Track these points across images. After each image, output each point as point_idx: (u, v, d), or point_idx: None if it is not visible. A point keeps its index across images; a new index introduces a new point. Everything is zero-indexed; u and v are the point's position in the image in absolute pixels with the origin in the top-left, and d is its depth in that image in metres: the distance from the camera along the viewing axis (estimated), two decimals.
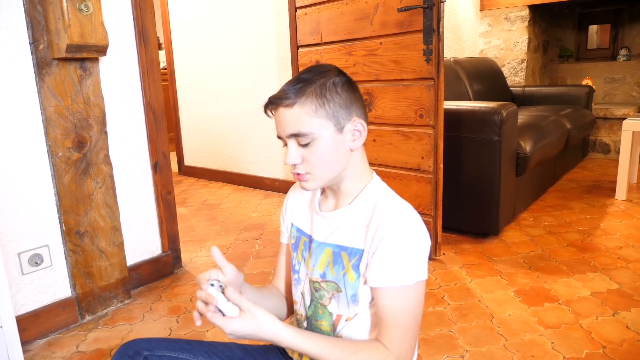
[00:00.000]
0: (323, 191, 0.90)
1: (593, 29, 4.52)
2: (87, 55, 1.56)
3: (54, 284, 1.65)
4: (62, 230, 1.65)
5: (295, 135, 0.77)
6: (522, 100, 3.79)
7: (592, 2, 4.29)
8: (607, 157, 4.02)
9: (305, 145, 0.78)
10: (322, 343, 0.75)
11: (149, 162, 1.96)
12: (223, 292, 0.74)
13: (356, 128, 0.80)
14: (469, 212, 2.31)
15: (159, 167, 1.99)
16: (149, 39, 1.90)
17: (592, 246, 2.15)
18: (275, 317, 0.75)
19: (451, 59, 3.26)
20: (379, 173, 0.90)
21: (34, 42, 1.51)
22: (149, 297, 1.88)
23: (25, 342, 1.54)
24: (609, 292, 1.73)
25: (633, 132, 2.72)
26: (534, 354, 1.39)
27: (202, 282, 0.76)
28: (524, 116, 2.86)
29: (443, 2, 1.83)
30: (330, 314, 0.84)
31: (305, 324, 0.89)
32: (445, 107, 2.15)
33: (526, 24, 3.99)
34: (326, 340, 0.76)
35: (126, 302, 1.83)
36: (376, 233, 0.77)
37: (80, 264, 1.69)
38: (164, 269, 2.05)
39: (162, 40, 4.45)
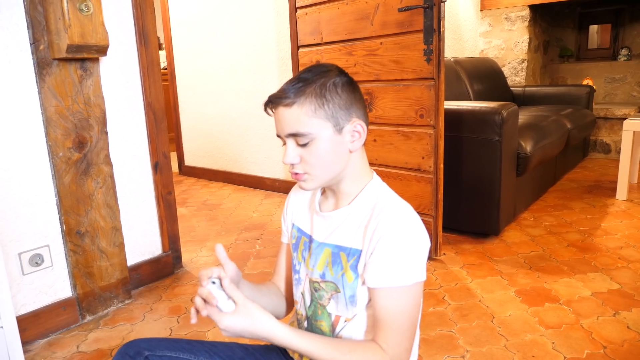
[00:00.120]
0: (323, 191, 0.90)
1: (594, 28, 4.51)
2: (87, 55, 1.56)
3: (55, 284, 1.65)
4: (62, 231, 1.65)
5: (294, 135, 0.77)
6: (522, 100, 3.78)
7: (593, 2, 4.29)
8: (608, 157, 4.02)
9: (303, 145, 0.77)
10: (317, 342, 0.75)
11: (149, 162, 1.96)
12: (224, 291, 0.74)
13: (355, 129, 0.79)
14: (469, 212, 2.31)
15: (159, 167, 1.99)
16: (150, 39, 1.90)
17: (592, 246, 2.15)
18: (271, 315, 0.75)
19: (452, 59, 3.26)
20: (379, 173, 0.90)
21: (34, 42, 1.51)
22: (150, 297, 1.88)
23: (25, 342, 1.54)
24: (610, 292, 1.73)
25: (634, 132, 2.72)
26: (534, 354, 1.39)
27: (202, 279, 0.76)
28: (524, 116, 2.86)
29: (443, 2, 1.83)
30: (329, 314, 0.84)
31: (305, 324, 0.89)
32: (445, 107, 2.15)
33: (527, 23, 3.99)
34: (321, 339, 0.76)
35: (127, 302, 1.83)
36: (374, 233, 0.77)
37: (80, 264, 1.69)
38: (165, 269, 2.05)
39: (162, 41, 4.45)
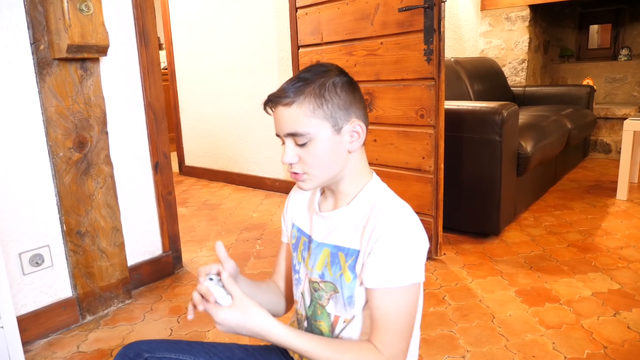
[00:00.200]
0: (323, 191, 0.90)
1: (594, 28, 4.51)
2: (87, 55, 1.56)
3: (55, 284, 1.65)
4: (62, 231, 1.65)
5: (292, 135, 0.77)
6: (522, 100, 3.78)
7: (593, 1, 4.29)
8: (608, 157, 4.01)
9: (302, 145, 0.77)
10: (312, 341, 0.75)
11: (149, 162, 1.96)
12: (223, 287, 0.75)
13: (354, 129, 0.79)
14: (469, 212, 2.31)
15: (159, 167, 1.99)
16: (150, 39, 1.90)
17: (593, 246, 2.15)
18: (267, 312, 0.75)
19: (452, 59, 3.25)
20: (379, 173, 0.90)
21: (34, 42, 1.51)
22: (150, 297, 1.88)
23: (26, 343, 1.54)
24: (610, 292, 1.73)
25: (634, 132, 2.72)
26: (535, 354, 1.39)
27: (201, 275, 0.77)
28: (524, 116, 2.86)
29: (444, 2, 1.83)
30: (329, 314, 0.84)
31: (305, 324, 0.89)
32: (446, 107, 2.15)
33: (527, 23, 3.99)
34: (316, 338, 0.76)
35: (127, 302, 1.83)
36: (372, 234, 0.76)
37: (81, 264, 1.69)
38: (165, 269, 2.05)
39: (162, 41, 4.45)
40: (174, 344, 0.85)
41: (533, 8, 4.00)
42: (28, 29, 1.51)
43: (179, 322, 1.67)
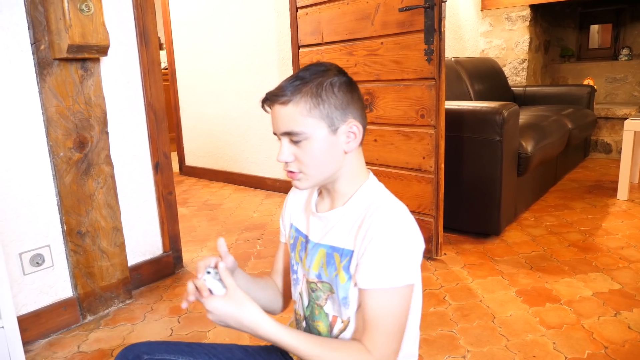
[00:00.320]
0: (320, 192, 0.90)
1: (594, 28, 4.51)
2: (88, 55, 1.56)
3: (56, 284, 1.65)
4: (63, 231, 1.65)
5: (288, 134, 0.77)
6: (523, 100, 3.78)
7: (594, 1, 4.28)
8: (609, 157, 4.01)
9: (297, 144, 0.77)
10: (301, 338, 0.74)
11: (150, 162, 1.96)
12: (220, 281, 0.75)
13: (351, 130, 0.79)
14: (470, 212, 2.31)
15: (160, 167, 1.99)
16: (150, 39, 1.90)
17: (593, 246, 2.15)
18: (259, 306, 0.74)
19: (452, 59, 3.25)
20: (380, 173, 0.90)
21: (35, 43, 1.52)
22: (150, 297, 1.88)
23: (26, 342, 1.54)
24: (611, 292, 1.73)
25: (635, 132, 2.71)
26: (535, 354, 1.39)
27: (200, 270, 0.77)
28: (525, 116, 2.86)
29: (444, 1, 1.83)
30: (327, 314, 0.84)
31: (304, 324, 0.89)
32: (446, 107, 2.15)
33: (527, 23, 3.99)
34: (306, 336, 0.76)
35: (127, 302, 1.84)
36: (367, 234, 0.76)
37: (81, 264, 1.69)
38: (165, 269, 2.05)
39: (163, 41, 4.45)
40: (174, 346, 0.85)
41: (533, 8, 4.00)
42: (28, 29, 1.51)
43: (179, 322, 1.67)
